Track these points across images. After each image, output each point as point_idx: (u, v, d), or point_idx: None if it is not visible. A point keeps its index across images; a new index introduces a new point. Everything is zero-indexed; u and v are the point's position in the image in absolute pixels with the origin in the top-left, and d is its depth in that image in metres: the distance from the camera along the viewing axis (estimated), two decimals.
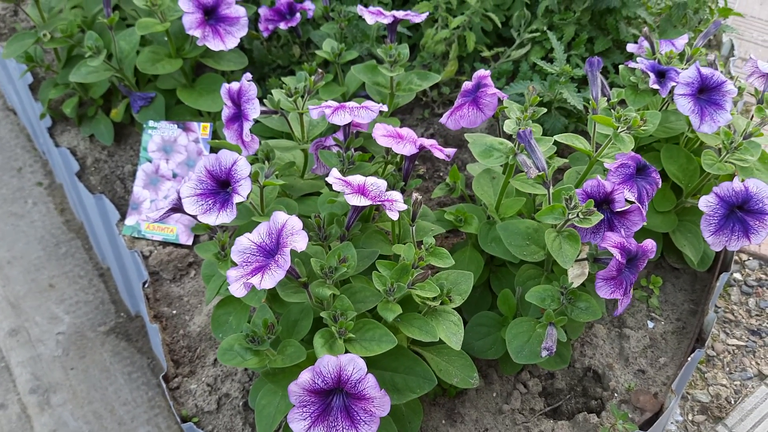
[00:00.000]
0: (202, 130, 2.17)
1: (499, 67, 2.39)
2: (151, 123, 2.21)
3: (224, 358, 1.44)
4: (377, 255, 1.51)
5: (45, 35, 2.24)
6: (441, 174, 2.31)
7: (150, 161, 2.19)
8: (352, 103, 1.64)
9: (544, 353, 1.45)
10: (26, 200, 3.15)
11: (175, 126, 2.19)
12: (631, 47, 2.03)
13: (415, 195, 1.46)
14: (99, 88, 2.34)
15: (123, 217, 2.22)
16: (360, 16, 2.38)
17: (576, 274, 1.56)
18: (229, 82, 2.23)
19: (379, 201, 1.41)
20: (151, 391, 2.51)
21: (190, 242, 2.13)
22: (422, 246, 1.47)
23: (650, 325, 1.98)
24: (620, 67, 1.87)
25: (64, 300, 2.78)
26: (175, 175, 2.17)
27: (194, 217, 1.47)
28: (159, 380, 2.52)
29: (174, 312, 2.02)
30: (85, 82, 2.16)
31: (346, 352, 1.35)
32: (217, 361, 1.89)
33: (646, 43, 1.98)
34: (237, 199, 1.41)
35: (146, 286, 2.04)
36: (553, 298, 1.53)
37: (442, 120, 1.75)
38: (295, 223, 1.34)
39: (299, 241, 1.30)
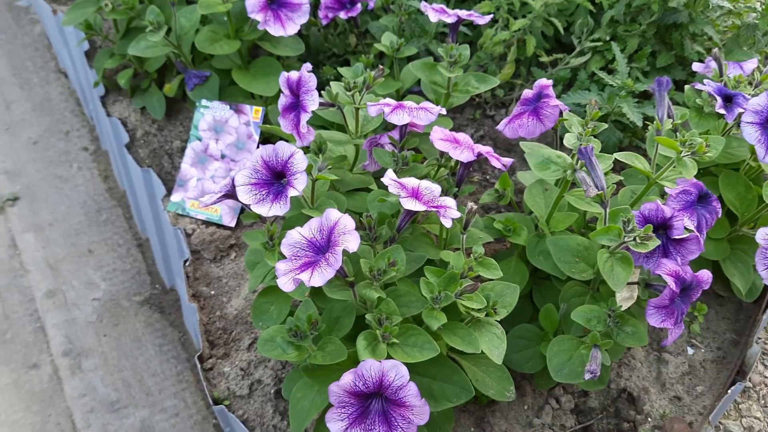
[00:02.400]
0: (254, 113, 2.17)
1: (556, 73, 2.34)
2: (204, 102, 2.22)
3: (264, 348, 1.45)
4: (425, 260, 1.50)
5: (106, 5, 2.25)
6: (487, 178, 2.28)
7: (200, 140, 2.20)
8: (410, 103, 1.62)
9: (588, 376, 1.43)
10: (71, 164, 3.19)
11: (228, 107, 2.19)
12: (697, 66, 1.98)
13: (470, 204, 1.44)
14: (155, 62, 2.35)
15: (168, 192, 2.24)
16: (419, 11, 2.36)
17: (624, 297, 1.53)
18: (284, 67, 2.24)
19: (433, 207, 1.39)
20: (180, 365, 2.54)
21: (233, 224, 2.13)
22: (471, 255, 1.45)
23: (690, 351, 1.95)
24: (686, 87, 1.82)
25: (101, 266, 2.82)
26: (223, 156, 2.18)
27: (247, 206, 1.47)
28: (188, 355, 2.55)
29: (212, 293, 2.03)
30: (142, 56, 2.16)
31: (388, 356, 1.34)
32: (251, 346, 1.90)
33: (713, 64, 1.93)
34: (292, 192, 1.41)
35: (187, 264, 2.05)
36: (600, 320, 1.50)
37: (499, 127, 1.72)
38: (347, 222, 1.34)
39: (351, 241, 1.29)
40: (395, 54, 2.07)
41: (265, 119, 2.19)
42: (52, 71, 3.62)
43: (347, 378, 1.26)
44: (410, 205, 1.36)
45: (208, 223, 2.15)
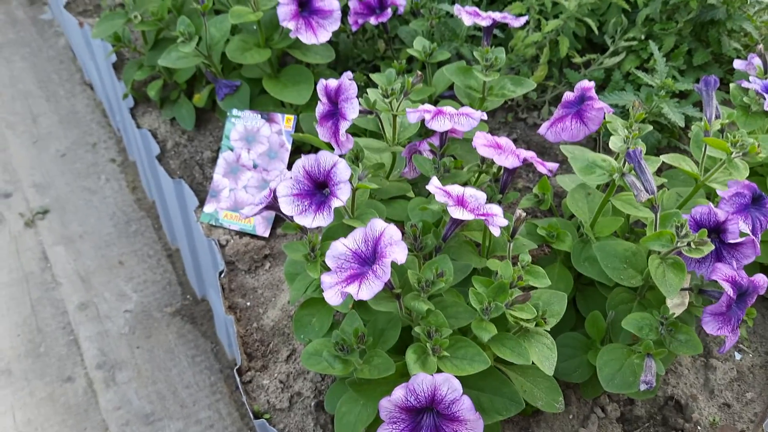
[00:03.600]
0: (285, 122, 2.15)
1: (590, 74, 2.30)
2: (234, 111, 2.20)
3: (309, 362, 1.42)
4: (470, 269, 1.47)
5: (136, 17, 2.24)
6: (522, 182, 2.24)
7: (231, 150, 2.18)
8: (451, 109, 1.60)
9: (643, 386, 1.38)
10: (99, 176, 3.20)
11: (259, 116, 2.18)
12: (738, 64, 1.93)
13: (519, 212, 1.41)
14: (185, 73, 2.34)
15: (201, 203, 2.23)
16: (450, 14, 2.33)
17: (676, 304, 1.49)
18: (314, 75, 2.22)
19: (480, 215, 1.36)
20: (213, 376, 2.52)
21: (266, 234, 2.12)
22: (518, 263, 1.42)
23: (737, 356, 1.90)
24: (731, 86, 1.78)
25: (132, 278, 2.82)
26: (255, 166, 2.16)
27: (289, 218, 1.44)
28: (221, 366, 2.54)
29: (248, 304, 2.02)
30: (173, 67, 2.15)
31: (438, 369, 1.31)
32: (290, 357, 1.88)
33: (756, 61, 1.88)
34: (335, 203, 1.38)
35: (222, 275, 2.04)
36: (652, 328, 1.46)
37: (541, 131, 1.69)
38: (393, 232, 1.31)
39: (399, 253, 1.27)
40: (428, 59, 2.04)
41: (297, 128, 2.17)
42: (78, 83, 3.63)
43: (398, 393, 1.23)
44: (458, 213, 1.32)
45: (241, 234, 2.13)
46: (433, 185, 1.39)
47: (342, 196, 1.39)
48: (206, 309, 2.72)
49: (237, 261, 2.09)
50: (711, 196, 1.76)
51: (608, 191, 1.60)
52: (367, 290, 1.26)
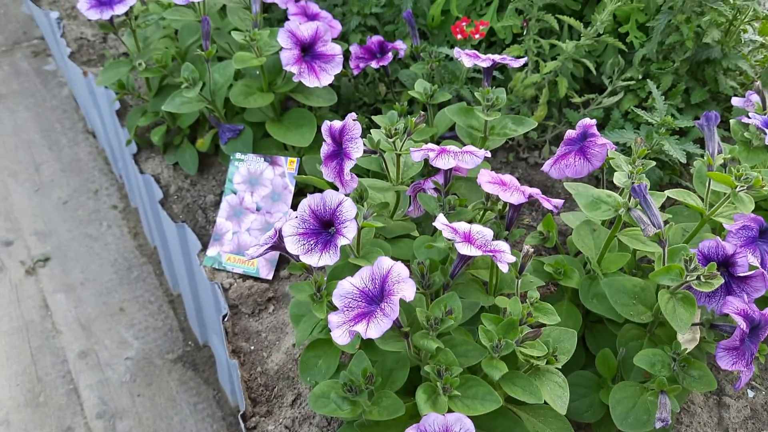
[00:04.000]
0: (288, 164, 2.17)
1: (589, 113, 2.33)
2: (238, 155, 2.21)
3: (317, 405, 1.40)
4: (479, 307, 1.46)
5: (140, 64, 2.27)
6: (527, 219, 2.24)
7: (235, 193, 2.18)
8: (454, 147, 1.60)
9: (659, 424, 1.36)
10: (101, 222, 3.19)
11: (262, 159, 2.19)
12: (737, 101, 1.95)
13: (527, 248, 1.40)
14: (188, 118, 2.36)
15: (204, 247, 2.22)
16: (449, 57, 2.37)
17: (687, 339, 1.47)
18: (317, 118, 2.24)
19: (488, 251, 1.35)
20: (216, 424, 2.47)
21: (270, 277, 2.10)
22: (527, 300, 1.41)
23: (750, 394, 1.86)
24: (732, 122, 1.79)
25: (133, 325, 2.79)
26: (258, 208, 2.16)
27: (294, 257, 1.43)
28: (224, 414, 2.49)
29: (252, 348, 1.99)
30: (177, 112, 2.17)
31: (449, 410, 1.28)
32: (295, 402, 1.84)
33: (754, 97, 1.90)
34: (342, 241, 1.38)
35: (225, 319, 2.01)
36: (664, 364, 1.44)
37: (544, 168, 1.69)
38: (401, 270, 1.30)
39: (407, 290, 1.25)
40: (429, 100, 2.06)
41: (300, 170, 2.18)
42: (81, 132, 3.66)
43: None
44: (466, 250, 1.32)
45: (245, 277, 2.12)
46: (440, 222, 1.39)
47: (348, 234, 1.38)
48: (208, 355, 2.68)
49: (240, 304, 2.07)
50: (716, 230, 1.76)
51: (614, 227, 1.60)
52: (375, 329, 1.24)
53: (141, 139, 2.54)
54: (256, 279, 2.12)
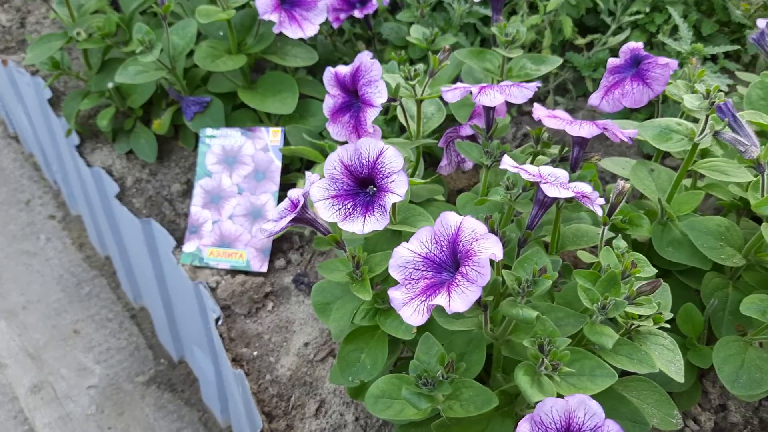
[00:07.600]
0: (271, 135, 1.85)
1: (594, 56, 2.11)
2: (208, 131, 1.88)
3: (377, 407, 1.11)
4: (560, 265, 1.19)
5: (78, 33, 1.90)
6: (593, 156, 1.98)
7: (209, 176, 1.85)
8: (504, 82, 1.34)
9: None
10: (38, 236, 2.76)
11: (239, 132, 1.86)
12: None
13: (621, 183, 1.15)
14: (141, 95, 2.00)
15: (178, 243, 1.87)
16: (440, 2, 2.11)
17: None
18: (297, 81, 1.93)
19: (576, 192, 1.09)
20: None
21: (264, 269, 1.78)
22: (615, 250, 1.15)
23: None
24: None
25: (92, 348, 2.40)
26: (240, 191, 1.83)
27: (322, 230, 1.13)
28: None
29: (255, 354, 1.66)
30: (132, 83, 1.82)
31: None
32: (319, 410, 1.54)
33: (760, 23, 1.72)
34: (391, 199, 1.09)
35: (219, 323, 1.68)
36: None
37: (593, 102, 1.44)
38: (475, 225, 1.02)
39: (492, 247, 0.98)
40: (430, 46, 1.79)
41: (286, 141, 1.87)
42: (0, 138, 3.20)
43: (524, 429, 0.93)
44: (553, 192, 1.05)
45: (234, 272, 1.79)
46: (508, 163, 1.12)
47: (399, 190, 1.09)
48: (186, 373, 2.32)
49: (233, 304, 1.74)
50: None
51: (686, 160, 1.36)
52: (461, 300, 0.96)
53: (83, 128, 2.16)
54: (248, 273, 1.79)
